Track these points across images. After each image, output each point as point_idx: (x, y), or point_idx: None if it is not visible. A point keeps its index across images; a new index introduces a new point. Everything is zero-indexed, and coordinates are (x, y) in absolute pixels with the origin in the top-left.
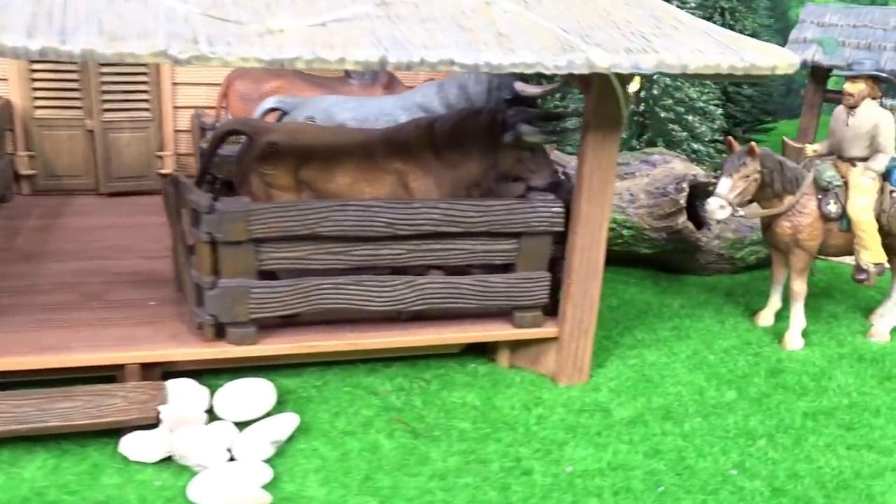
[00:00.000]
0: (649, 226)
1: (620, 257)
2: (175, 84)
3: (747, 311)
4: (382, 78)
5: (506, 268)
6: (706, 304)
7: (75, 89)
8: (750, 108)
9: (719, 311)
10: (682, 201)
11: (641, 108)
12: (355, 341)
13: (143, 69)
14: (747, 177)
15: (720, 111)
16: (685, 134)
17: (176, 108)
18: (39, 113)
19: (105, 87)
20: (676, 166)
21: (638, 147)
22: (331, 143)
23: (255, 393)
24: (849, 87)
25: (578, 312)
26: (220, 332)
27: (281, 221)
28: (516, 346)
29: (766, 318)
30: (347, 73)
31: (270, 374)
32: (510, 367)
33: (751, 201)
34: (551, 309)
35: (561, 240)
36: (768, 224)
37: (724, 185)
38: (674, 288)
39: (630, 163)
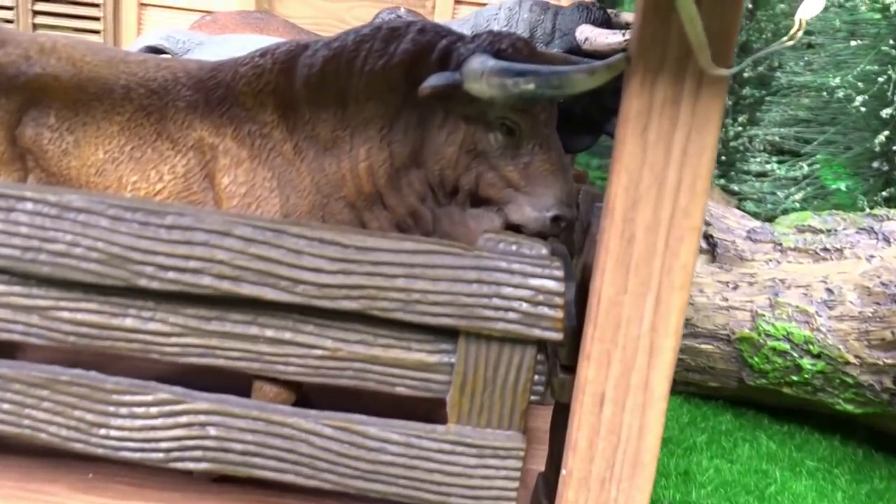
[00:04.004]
0: (858, 357)
1: (800, 411)
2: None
3: None
4: None
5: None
6: None
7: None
8: None
9: None
10: None
11: (882, 139)
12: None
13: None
14: None
15: None
16: None
17: None
18: None
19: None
20: None
21: (869, 209)
22: (94, 80)
23: None
24: None
25: None
26: None
27: None
28: None
29: None
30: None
31: None
32: None
33: None
34: None
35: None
36: None
37: None
38: None
39: (837, 230)
